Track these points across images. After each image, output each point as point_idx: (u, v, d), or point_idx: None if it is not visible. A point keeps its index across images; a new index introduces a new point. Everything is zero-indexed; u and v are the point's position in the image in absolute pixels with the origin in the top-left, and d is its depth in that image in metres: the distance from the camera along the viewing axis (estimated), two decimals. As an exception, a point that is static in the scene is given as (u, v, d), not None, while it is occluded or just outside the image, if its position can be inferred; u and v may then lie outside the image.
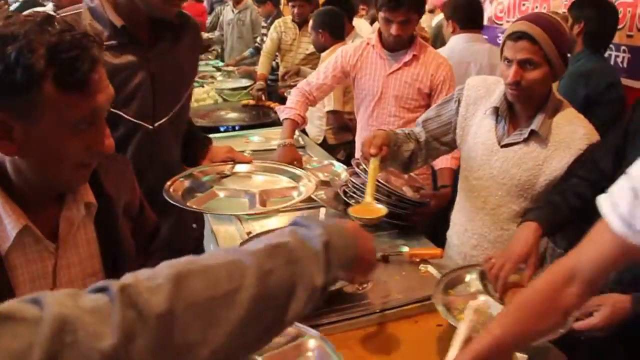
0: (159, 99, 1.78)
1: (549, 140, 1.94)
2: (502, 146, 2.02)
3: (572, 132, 1.92)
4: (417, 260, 2.06)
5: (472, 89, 2.14)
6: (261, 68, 5.14)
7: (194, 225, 2.26)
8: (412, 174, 2.51)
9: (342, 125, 3.98)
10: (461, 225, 2.21)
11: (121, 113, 1.69)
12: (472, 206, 2.15)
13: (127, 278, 0.76)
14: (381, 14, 2.71)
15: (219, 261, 0.81)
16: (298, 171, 2.08)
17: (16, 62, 0.98)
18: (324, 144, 3.95)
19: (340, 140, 3.95)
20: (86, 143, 1.09)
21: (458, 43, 3.51)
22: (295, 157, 2.63)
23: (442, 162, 2.63)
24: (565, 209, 1.76)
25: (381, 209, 1.98)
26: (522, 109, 1.99)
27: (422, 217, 2.37)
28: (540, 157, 1.95)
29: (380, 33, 2.86)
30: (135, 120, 1.73)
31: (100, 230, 1.25)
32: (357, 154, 3.10)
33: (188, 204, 1.84)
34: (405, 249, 2.15)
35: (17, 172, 1.11)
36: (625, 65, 3.25)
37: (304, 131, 4.02)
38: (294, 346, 1.49)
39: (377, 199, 2.06)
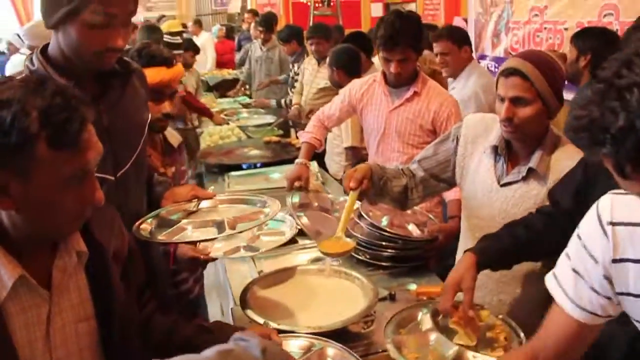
0: (117, 148, 1.76)
1: (548, 177, 1.91)
2: (502, 185, 2.00)
3: (570, 168, 1.85)
4: (425, 298, 2.05)
5: (471, 127, 2.13)
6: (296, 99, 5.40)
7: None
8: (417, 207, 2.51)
9: (361, 161, 4.01)
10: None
11: None
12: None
13: None
14: (380, 53, 2.78)
15: None
16: (263, 197, 2.04)
17: (11, 126, 1.06)
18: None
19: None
20: (78, 197, 1.17)
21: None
22: (303, 174, 2.66)
23: (452, 194, 2.61)
24: (506, 238, 1.76)
25: (349, 243, 1.99)
26: (519, 147, 1.98)
27: (432, 253, 2.39)
28: (540, 196, 1.92)
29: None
30: (97, 175, 1.75)
31: (91, 277, 1.30)
32: None
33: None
34: (414, 286, 2.16)
35: (13, 224, 1.17)
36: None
37: (324, 167, 4.09)
38: (316, 353, 1.62)
39: (383, 246, 2.13)
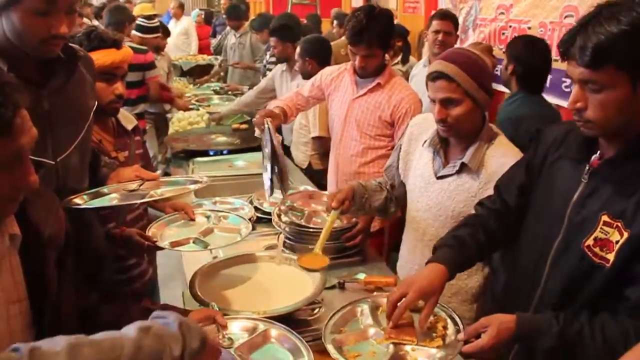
0: (57, 134, 1.77)
1: (480, 172, 1.97)
2: (438, 178, 2.06)
3: (503, 165, 1.91)
4: (373, 287, 2.11)
5: (415, 126, 2.21)
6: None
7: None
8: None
9: (327, 151, 4.05)
10: (404, 257, 2.26)
11: None
12: (413, 238, 2.20)
13: (35, 344, 1.01)
14: (348, 45, 2.84)
15: (103, 337, 1.07)
16: (202, 179, 2.05)
17: None
18: (309, 169, 4.03)
19: (325, 166, 4.03)
20: (11, 180, 1.19)
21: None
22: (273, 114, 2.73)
23: None
24: (472, 246, 1.74)
25: (325, 260, 2.07)
26: (455, 142, 2.05)
27: (355, 240, 2.41)
28: (472, 189, 1.98)
29: None
30: (33, 157, 1.69)
31: (25, 260, 1.32)
32: (330, 185, 3.19)
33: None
34: (363, 276, 2.22)
35: None
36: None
37: (290, 157, 4.12)
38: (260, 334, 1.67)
39: (306, 241, 2.27)
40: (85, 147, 1.92)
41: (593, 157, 1.51)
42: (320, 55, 4.07)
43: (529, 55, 2.92)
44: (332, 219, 2.14)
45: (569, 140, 1.61)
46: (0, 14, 1.59)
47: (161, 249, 2.08)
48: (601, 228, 1.43)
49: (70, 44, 1.84)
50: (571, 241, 1.50)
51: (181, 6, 9.65)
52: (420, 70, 4.00)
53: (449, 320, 1.68)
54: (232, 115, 4.88)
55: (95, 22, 6.79)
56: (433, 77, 1.93)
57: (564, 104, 3.18)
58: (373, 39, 2.73)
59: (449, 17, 3.89)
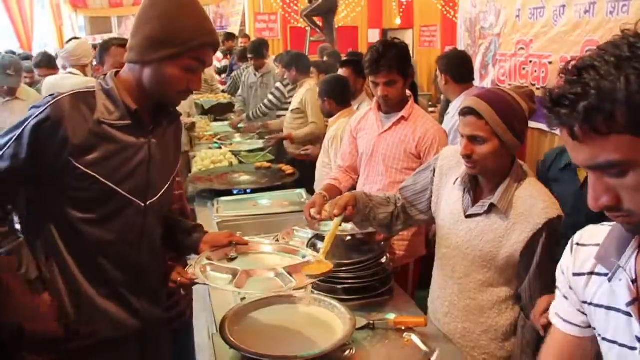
0: (152, 179, 1.89)
1: (509, 213, 1.96)
2: (467, 217, 2.06)
3: (532, 206, 1.93)
4: (403, 328, 2.10)
5: (445, 159, 2.21)
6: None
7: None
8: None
9: (351, 188, 4.08)
10: (435, 292, 2.25)
11: (117, 189, 1.79)
12: (443, 274, 2.19)
13: None
14: (369, 78, 2.89)
15: None
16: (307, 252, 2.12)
17: None
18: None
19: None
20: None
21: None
22: (317, 201, 2.62)
23: None
24: None
25: (328, 265, 1.99)
26: (484, 181, 2.04)
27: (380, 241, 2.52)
28: (500, 230, 1.97)
29: None
30: (128, 196, 1.83)
31: None
32: None
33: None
34: (392, 316, 2.21)
35: None
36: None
37: (313, 194, 4.13)
38: None
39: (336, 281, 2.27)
40: (168, 198, 2.06)
41: None
42: (338, 95, 4.14)
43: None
44: (335, 225, 2.16)
45: None
46: (146, 64, 1.77)
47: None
48: None
49: None
50: None
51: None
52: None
53: None
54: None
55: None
56: (464, 112, 1.95)
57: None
58: (392, 63, 2.77)
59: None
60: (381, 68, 2.77)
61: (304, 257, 2.06)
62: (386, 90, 2.83)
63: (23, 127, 1.68)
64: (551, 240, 1.90)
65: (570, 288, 1.28)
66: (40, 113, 1.67)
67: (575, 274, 1.25)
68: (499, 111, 1.90)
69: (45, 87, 5.29)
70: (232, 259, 2.05)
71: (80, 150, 1.70)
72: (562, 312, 1.34)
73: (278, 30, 11.88)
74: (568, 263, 1.28)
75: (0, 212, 1.75)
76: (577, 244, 1.27)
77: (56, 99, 1.70)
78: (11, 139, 1.68)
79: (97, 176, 1.74)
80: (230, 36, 10.37)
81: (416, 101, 5.47)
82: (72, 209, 1.76)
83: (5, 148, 1.69)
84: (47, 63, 6.04)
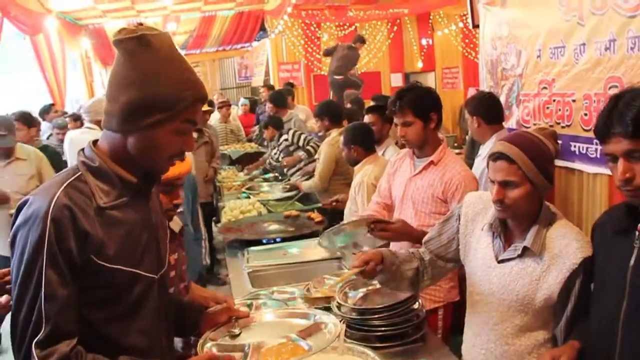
0: (159, 247, 1.73)
1: (543, 255, 1.96)
2: (499, 262, 2.05)
3: (566, 246, 1.93)
4: (437, 375, 2.09)
5: (470, 206, 2.21)
6: None
7: None
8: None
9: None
10: (469, 341, 2.21)
11: (139, 272, 1.61)
12: (478, 321, 2.16)
13: None
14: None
15: None
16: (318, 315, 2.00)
17: None
18: (361, 251, 4.04)
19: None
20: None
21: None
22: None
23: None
24: None
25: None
26: (514, 225, 2.04)
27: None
28: (536, 273, 1.96)
29: None
30: (149, 275, 1.66)
31: None
32: None
33: None
34: (427, 362, 2.19)
35: None
36: None
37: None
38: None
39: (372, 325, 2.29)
40: (167, 262, 1.85)
41: (639, 225, 1.67)
42: (364, 142, 4.17)
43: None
44: (348, 274, 2.20)
45: (612, 219, 1.83)
46: (132, 133, 1.55)
47: None
48: None
49: None
50: (638, 303, 1.64)
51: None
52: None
53: None
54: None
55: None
56: (494, 157, 1.96)
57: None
58: (405, 105, 2.87)
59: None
60: (399, 109, 2.88)
61: (314, 318, 1.97)
62: (403, 131, 2.92)
63: (41, 251, 1.43)
64: (586, 279, 1.90)
65: None
66: (44, 226, 1.43)
67: None
68: (529, 154, 1.91)
69: (67, 141, 5.44)
70: (235, 336, 1.93)
71: (99, 245, 1.50)
72: None
73: (302, 79, 12.08)
74: None
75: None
76: None
77: (50, 202, 1.45)
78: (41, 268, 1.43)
79: (122, 267, 1.55)
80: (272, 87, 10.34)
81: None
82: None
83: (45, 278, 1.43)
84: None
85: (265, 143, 7.98)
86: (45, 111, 8.57)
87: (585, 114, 3.38)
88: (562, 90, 3.60)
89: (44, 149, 5.37)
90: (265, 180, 6.49)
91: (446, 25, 12.90)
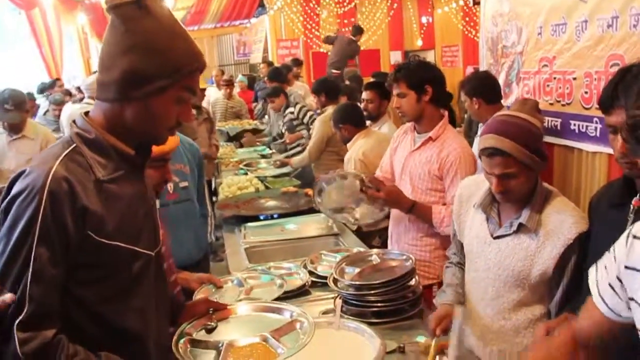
0: (155, 225, 1.68)
1: (539, 231, 1.97)
2: (495, 238, 2.06)
3: (561, 222, 1.94)
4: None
5: (465, 188, 2.24)
6: None
7: None
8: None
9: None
10: (466, 317, 2.23)
11: (137, 249, 1.55)
12: (474, 298, 2.18)
13: None
14: None
15: None
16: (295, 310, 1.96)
17: None
18: (359, 230, 4.03)
19: (376, 227, 4.02)
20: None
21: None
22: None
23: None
24: None
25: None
26: (509, 204, 2.05)
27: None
28: (531, 248, 1.97)
29: None
30: (147, 252, 1.60)
31: None
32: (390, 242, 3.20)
33: None
34: (423, 339, 2.19)
35: None
36: None
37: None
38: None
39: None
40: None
41: (634, 199, 1.70)
42: (352, 119, 4.22)
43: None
44: (434, 347, 2.04)
45: (608, 193, 1.86)
46: (128, 102, 1.48)
47: None
48: None
49: None
50: None
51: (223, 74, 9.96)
52: None
53: None
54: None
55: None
56: (489, 153, 1.93)
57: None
58: (400, 77, 2.88)
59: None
60: (394, 81, 2.90)
61: (291, 315, 1.93)
62: (398, 103, 2.93)
63: (34, 225, 1.37)
64: (581, 254, 1.91)
65: (619, 279, 1.30)
66: (40, 199, 1.37)
67: (627, 267, 1.27)
68: (521, 142, 1.90)
69: (66, 116, 5.38)
70: (211, 330, 1.90)
71: (99, 220, 1.44)
72: (599, 283, 1.38)
73: (300, 56, 11.98)
74: (621, 254, 1.29)
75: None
76: (635, 237, 1.27)
77: (48, 174, 1.39)
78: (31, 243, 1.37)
79: (121, 244, 1.49)
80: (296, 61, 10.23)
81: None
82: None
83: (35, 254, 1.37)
84: None
85: (265, 119, 7.95)
86: (50, 86, 8.51)
87: (586, 92, 3.36)
88: (562, 68, 3.57)
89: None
90: (263, 156, 6.46)
91: (446, 3, 12.82)
